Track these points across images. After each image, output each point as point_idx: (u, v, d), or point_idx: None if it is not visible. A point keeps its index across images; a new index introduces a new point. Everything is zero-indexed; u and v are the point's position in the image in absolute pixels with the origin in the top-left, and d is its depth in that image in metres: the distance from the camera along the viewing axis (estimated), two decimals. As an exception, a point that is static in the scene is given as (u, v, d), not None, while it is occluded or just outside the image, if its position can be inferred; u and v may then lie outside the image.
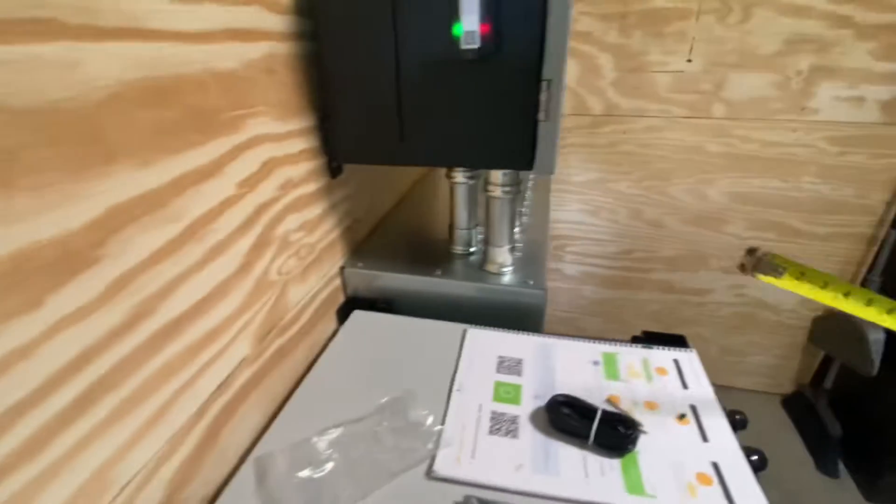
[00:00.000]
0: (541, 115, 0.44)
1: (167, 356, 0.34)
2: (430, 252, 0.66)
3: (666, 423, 0.41)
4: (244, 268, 0.42)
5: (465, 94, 0.44)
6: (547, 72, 0.42)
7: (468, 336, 0.53)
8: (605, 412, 0.40)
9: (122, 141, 0.29)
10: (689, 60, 1.27)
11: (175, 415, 0.35)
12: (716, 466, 0.37)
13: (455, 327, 0.55)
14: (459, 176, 0.58)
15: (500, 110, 0.44)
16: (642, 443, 0.39)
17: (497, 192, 0.54)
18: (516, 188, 0.54)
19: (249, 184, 0.41)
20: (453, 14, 0.39)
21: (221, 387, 0.40)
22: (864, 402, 1.38)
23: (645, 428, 0.39)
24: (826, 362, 1.54)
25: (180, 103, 0.33)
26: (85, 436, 0.28)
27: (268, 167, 0.44)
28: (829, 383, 1.52)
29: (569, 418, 0.40)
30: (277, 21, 0.43)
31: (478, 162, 0.48)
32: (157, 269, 0.32)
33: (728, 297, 1.58)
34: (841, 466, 1.40)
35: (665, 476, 0.36)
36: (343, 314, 0.62)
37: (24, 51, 0.23)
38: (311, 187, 0.52)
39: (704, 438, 0.40)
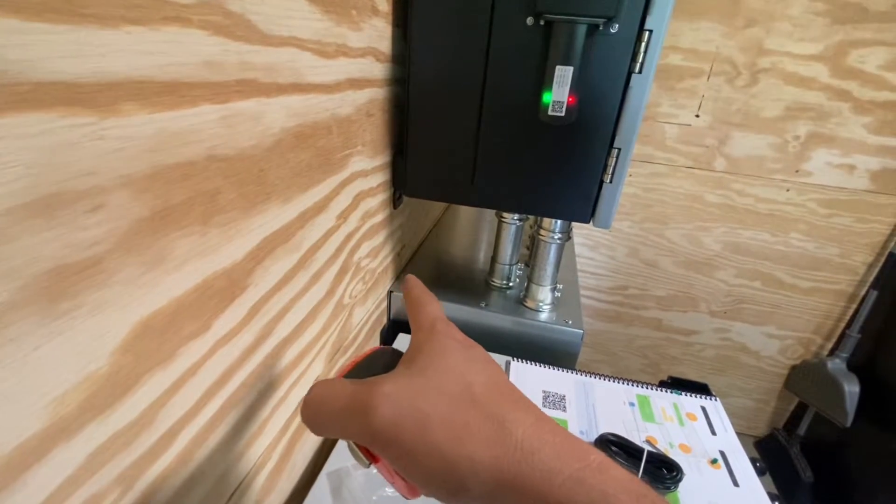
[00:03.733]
0: (606, 178, 0.49)
1: (273, 375, 0.36)
2: (469, 282, 0.70)
3: (700, 466, 0.46)
4: (329, 293, 0.45)
5: (540, 151, 0.49)
6: (618, 141, 0.47)
7: (512, 368, 0.57)
8: (649, 453, 0.44)
9: (276, 181, 0.32)
10: (698, 115, 1.35)
11: (269, 429, 0.38)
12: None
13: (498, 358, 0.58)
14: (510, 217, 0.62)
15: (570, 169, 0.49)
16: (681, 483, 0.43)
17: (548, 237, 0.58)
18: (567, 235, 0.59)
19: (344, 215, 0.44)
20: (546, 84, 0.44)
21: (300, 403, 0.42)
22: (836, 450, 1.45)
23: (684, 470, 0.44)
24: (800, 409, 1.62)
25: (313, 146, 0.36)
26: (215, 447, 0.30)
27: (357, 199, 0.47)
28: (802, 430, 1.60)
29: (617, 456, 0.44)
30: (381, 69, 0.47)
31: (542, 211, 0.52)
32: (278, 296, 0.35)
33: (713, 339, 1.66)
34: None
35: (706, 515, 0.41)
36: (386, 336, 0.65)
37: (233, 107, 0.26)
38: (379, 217, 0.55)
39: (735, 483, 0.44)
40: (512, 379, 0.54)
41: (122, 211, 0.20)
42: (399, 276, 0.69)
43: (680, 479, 0.42)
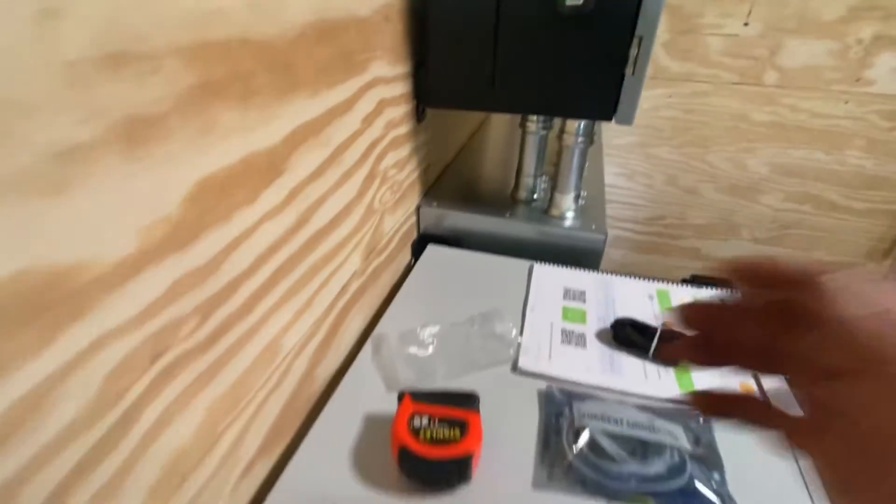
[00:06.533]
0: (628, 70, 0.48)
1: (314, 258, 0.41)
2: (496, 197, 0.72)
3: (714, 346, 0.48)
4: (359, 195, 0.49)
5: (558, 47, 0.49)
6: (640, 29, 0.46)
7: (535, 270, 0.60)
8: (664, 331, 0.47)
9: (302, 74, 0.35)
10: (747, 24, 1.25)
11: (316, 306, 0.43)
12: (756, 379, 0.44)
13: (522, 263, 0.61)
14: (533, 126, 0.63)
15: (590, 64, 0.49)
16: (693, 359, 0.46)
17: (571, 140, 0.59)
18: (589, 139, 0.59)
19: (368, 120, 0.47)
20: (561, -29, 0.43)
21: (342, 291, 0.48)
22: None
23: (697, 347, 0.46)
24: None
25: (333, 44, 0.39)
26: (270, 307, 0.36)
27: (380, 107, 0.50)
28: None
29: (631, 334, 0.47)
30: (396, -29, 0.48)
31: (562, 111, 0.53)
32: (314, 185, 0.39)
33: (756, 267, 1.62)
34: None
35: (713, 382, 0.44)
36: (417, 248, 0.69)
37: (258, -6, 0.29)
38: (403, 129, 0.58)
39: (747, 359, 0.47)
40: (534, 280, 0.58)
41: (177, 76, 0.24)
42: (427, 193, 0.72)
43: (690, 353, 0.45)
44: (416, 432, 0.34)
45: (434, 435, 0.33)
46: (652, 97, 1.42)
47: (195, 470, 0.31)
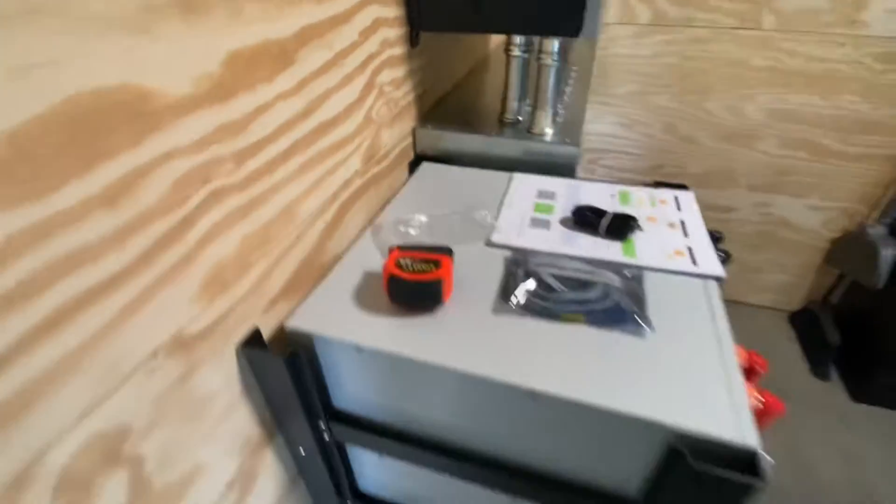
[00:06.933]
0: (590, -13, 0.55)
1: (321, 146, 0.51)
2: (484, 120, 0.80)
3: (659, 228, 0.57)
4: (359, 101, 0.57)
5: (530, -31, 0.56)
6: (598, -52, 0.53)
7: (514, 177, 0.68)
8: (614, 214, 0.55)
9: (307, -19, 0.43)
10: (745, -34, 1.26)
11: (325, 188, 0.53)
12: (690, 249, 0.53)
13: (504, 175, 0.70)
14: (516, 49, 0.70)
15: (557, -18, 0.56)
16: (640, 237, 0.55)
17: (548, 59, 0.66)
18: (563, 58, 0.66)
19: (365, 34, 0.56)
20: None
21: (344, 184, 0.57)
22: (866, 316, 1.48)
23: (642, 226, 0.55)
24: (837, 284, 1.63)
25: (333, -40, 0.47)
26: (287, 176, 0.46)
27: (376, 24, 0.58)
28: (835, 299, 1.63)
29: (587, 216, 0.56)
30: None
31: (536, 29, 0.60)
32: (320, 80, 0.48)
33: (753, 215, 1.66)
34: (833, 373, 1.54)
35: (652, 250, 0.52)
36: (413, 167, 0.78)
37: None
38: (398, 50, 0.66)
39: (685, 234, 0.55)
40: (513, 184, 0.67)
41: (214, -37, 0.33)
42: (423, 118, 0.80)
43: (634, 227, 0.54)
44: (400, 267, 0.43)
45: (415, 268, 0.43)
46: (651, 44, 1.45)
47: (234, 284, 0.41)
